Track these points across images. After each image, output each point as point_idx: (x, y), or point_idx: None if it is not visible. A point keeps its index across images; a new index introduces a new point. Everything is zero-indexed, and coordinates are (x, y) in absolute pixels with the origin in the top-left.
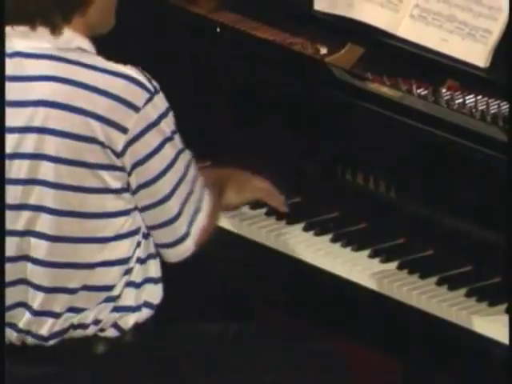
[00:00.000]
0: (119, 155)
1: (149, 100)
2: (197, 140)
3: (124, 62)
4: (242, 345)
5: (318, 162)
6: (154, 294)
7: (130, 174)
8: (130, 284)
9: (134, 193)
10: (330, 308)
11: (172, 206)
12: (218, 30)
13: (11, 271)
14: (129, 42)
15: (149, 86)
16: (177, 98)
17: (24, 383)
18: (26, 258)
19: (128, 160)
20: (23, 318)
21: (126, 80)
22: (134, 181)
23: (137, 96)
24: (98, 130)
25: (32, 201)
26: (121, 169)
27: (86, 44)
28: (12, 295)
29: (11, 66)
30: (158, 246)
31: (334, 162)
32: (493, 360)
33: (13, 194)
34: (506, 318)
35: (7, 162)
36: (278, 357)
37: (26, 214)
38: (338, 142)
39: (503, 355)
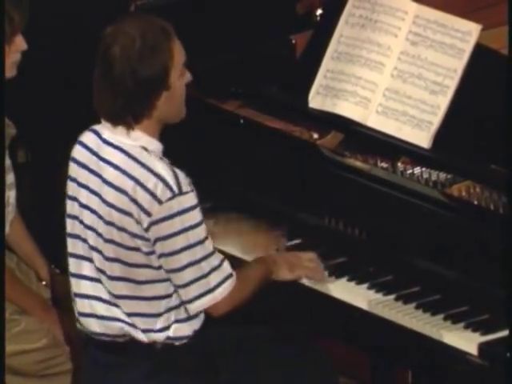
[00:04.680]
0: (145, 230)
1: (171, 198)
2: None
3: (173, 150)
4: (257, 344)
5: (311, 214)
6: (197, 325)
7: (153, 244)
8: (177, 321)
9: (158, 257)
10: (319, 315)
11: (183, 277)
12: (242, 121)
13: (85, 288)
14: (173, 133)
15: (175, 188)
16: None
17: (105, 367)
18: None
19: (151, 235)
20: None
21: (159, 180)
22: (157, 250)
23: (162, 193)
24: (134, 210)
25: (96, 244)
26: (148, 239)
27: (151, 143)
28: (83, 305)
29: (96, 145)
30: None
31: (323, 214)
32: (443, 357)
33: (87, 234)
34: (442, 322)
35: (80, 208)
36: (285, 353)
37: (94, 252)
38: (325, 200)
39: (444, 351)
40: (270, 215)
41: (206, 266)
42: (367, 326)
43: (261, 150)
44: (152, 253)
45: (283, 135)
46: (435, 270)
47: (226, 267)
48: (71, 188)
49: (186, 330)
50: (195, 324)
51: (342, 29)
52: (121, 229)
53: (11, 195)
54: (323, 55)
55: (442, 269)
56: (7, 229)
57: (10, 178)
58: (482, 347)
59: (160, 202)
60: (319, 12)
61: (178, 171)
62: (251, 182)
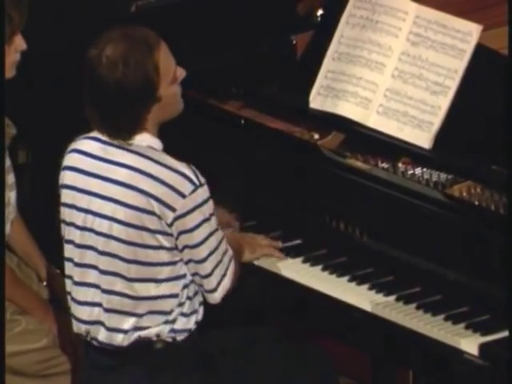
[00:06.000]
0: (169, 226)
1: (193, 191)
2: (229, 203)
3: (174, 150)
4: (257, 344)
5: (311, 214)
6: (199, 316)
7: (176, 238)
8: (182, 314)
9: (180, 251)
10: (319, 316)
11: (206, 267)
12: (243, 121)
13: (92, 296)
14: (174, 134)
15: (195, 180)
16: (211, 164)
17: (105, 369)
18: (99, 287)
19: (175, 230)
20: (100, 334)
21: (178, 174)
22: (179, 244)
23: (185, 187)
24: (155, 207)
25: (109, 249)
26: (171, 234)
27: (154, 142)
28: (90, 314)
29: (101, 151)
30: (199, 287)
31: (323, 214)
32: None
33: (97, 241)
34: (442, 323)
35: (91, 217)
36: (285, 353)
37: (105, 258)
38: (326, 200)
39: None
40: (270, 215)
41: (220, 251)
42: (368, 327)
43: (262, 151)
44: (174, 248)
45: (284, 136)
46: (436, 270)
47: (230, 250)
48: (68, 196)
49: (189, 322)
50: (197, 316)
51: (343, 29)
52: (141, 228)
53: (12, 196)
54: (324, 56)
55: (442, 269)
56: (8, 229)
57: (10, 178)
58: (483, 348)
59: (183, 195)
60: (320, 12)
61: (189, 164)
62: (252, 183)
